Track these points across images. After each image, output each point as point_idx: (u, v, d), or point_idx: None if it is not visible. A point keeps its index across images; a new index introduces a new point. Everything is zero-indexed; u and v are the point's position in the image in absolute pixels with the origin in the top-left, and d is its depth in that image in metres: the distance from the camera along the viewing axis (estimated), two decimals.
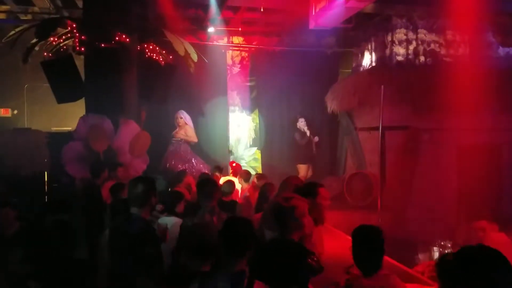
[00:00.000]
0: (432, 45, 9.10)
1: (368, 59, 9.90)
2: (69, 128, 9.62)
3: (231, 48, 11.11)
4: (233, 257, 2.51)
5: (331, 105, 9.91)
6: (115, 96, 7.52)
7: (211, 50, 10.13)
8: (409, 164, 8.20)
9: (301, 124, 9.89)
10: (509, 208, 7.95)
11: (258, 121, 11.42)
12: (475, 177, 7.62)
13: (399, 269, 5.19)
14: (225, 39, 10.73)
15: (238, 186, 7.09)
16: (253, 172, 8.66)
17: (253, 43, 10.94)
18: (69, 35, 7.77)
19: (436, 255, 6.29)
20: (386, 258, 5.10)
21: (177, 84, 8.63)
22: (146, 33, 8.11)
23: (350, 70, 10.96)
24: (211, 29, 9.97)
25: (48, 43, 8.03)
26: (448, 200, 7.96)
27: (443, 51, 9.11)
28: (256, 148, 11.93)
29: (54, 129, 10.92)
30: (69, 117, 10.27)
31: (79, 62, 7.81)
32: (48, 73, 7.49)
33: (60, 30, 7.88)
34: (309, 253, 2.94)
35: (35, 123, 11.56)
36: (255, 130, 12.12)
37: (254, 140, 12.23)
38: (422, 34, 9.07)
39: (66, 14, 9.38)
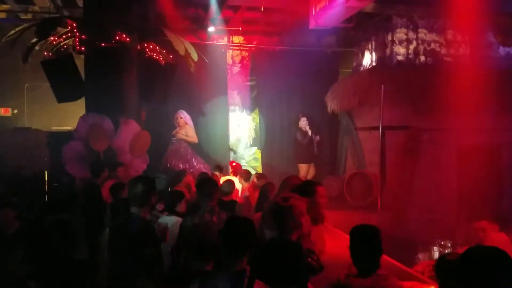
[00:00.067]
0: (433, 45, 9.09)
1: (368, 59, 9.89)
2: (69, 128, 9.63)
3: (231, 47, 11.10)
4: (233, 257, 2.51)
5: (331, 104, 9.90)
6: (115, 96, 7.52)
7: (211, 50, 10.13)
8: (409, 164, 8.20)
9: (303, 123, 9.87)
10: (509, 208, 7.95)
11: (258, 121, 11.42)
12: (475, 177, 7.61)
13: (398, 269, 5.19)
14: (225, 39, 10.72)
15: (238, 185, 7.09)
16: (253, 172, 8.66)
17: (253, 43, 10.94)
18: (69, 34, 7.78)
19: (436, 255, 6.27)
20: (386, 257, 5.11)
21: (177, 84, 8.64)
22: (146, 33, 8.11)
23: (350, 70, 10.95)
24: (211, 29, 9.97)
25: (48, 42, 8.03)
26: (448, 200, 7.96)
27: (443, 51, 9.10)
28: (256, 147, 11.93)
29: (54, 128, 10.92)
30: (69, 116, 10.27)
31: (79, 61, 7.82)
32: (48, 72, 7.50)
33: (60, 30, 7.88)
34: (309, 252, 2.94)
35: (35, 122, 11.57)
36: (255, 130, 12.11)
37: (254, 139, 12.23)
38: (423, 33, 9.06)
39: (66, 13, 9.39)
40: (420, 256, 6.49)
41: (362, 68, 10.07)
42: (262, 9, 9.36)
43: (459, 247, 5.14)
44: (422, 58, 9.02)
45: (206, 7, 9.38)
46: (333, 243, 3.88)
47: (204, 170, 8.33)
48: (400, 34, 9.00)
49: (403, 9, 8.97)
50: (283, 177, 4.67)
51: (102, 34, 7.33)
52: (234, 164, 9.01)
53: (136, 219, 3.35)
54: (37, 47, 8.05)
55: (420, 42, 9.04)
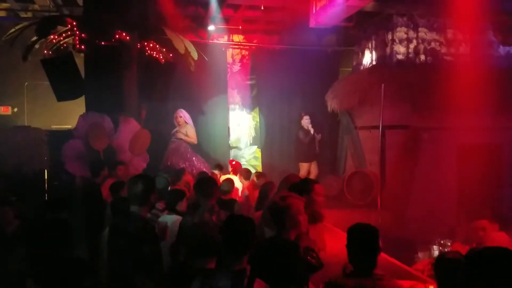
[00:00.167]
0: (433, 44, 9.08)
1: (368, 58, 9.89)
2: (69, 126, 9.62)
3: (231, 46, 11.09)
4: (233, 256, 2.50)
5: (331, 103, 9.90)
6: (115, 94, 7.52)
7: (211, 48, 10.13)
8: (409, 163, 8.19)
9: (306, 121, 9.86)
10: (509, 207, 7.95)
11: (258, 120, 11.42)
12: (475, 176, 7.60)
13: (398, 268, 5.19)
14: (226, 37, 10.72)
15: (237, 184, 7.09)
16: (253, 171, 8.66)
17: (254, 41, 10.93)
18: (69, 33, 7.77)
19: (435, 254, 6.27)
20: (385, 256, 5.11)
21: (177, 82, 8.63)
22: (146, 31, 8.10)
23: (351, 69, 10.94)
24: (211, 27, 9.96)
25: (48, 41, 8.03)
26: (448, 199, 7.95)
27: (443, 50, 9.10)
28: (256, 146, 11.93)
29: (54, 127, 10.90)
30: (69, 115, 10.27)
31: (79, 60, 7.82)
32: (48, 71, 7.49)
33: (60, 28, 7.87)
34: (308, 250, 2.94)
35: (35, 121, 11.55)
36: (255, 129, 12.11)
37: (254, 138, 12.22)
38: (423, 32, 9.05)
39: (66, 12, 9.40)
40: (420, 255, 6.49)
41: (362, 67, 10.07)
42: (262, 8, 9.36)
43: (459, 246, 5.13)
44: (422, 57, 9.01)
45: (206, 5, 9.38)
46: (332, 242, 3.88)
47: (204, 169, 8.33)
48: (400, 33, 8.99)
49: (403, 8, 8.96)
50: (283, 176, 4.67)
51: (102, 32, 7.33)
52: (233, 163, 9.01)
53: (136, 218, 3.35)
54: (37, 46, 8.05)
55: (420, 41, 9.04)
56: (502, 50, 9.26)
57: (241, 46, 11.21)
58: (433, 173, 7.97)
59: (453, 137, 8.03)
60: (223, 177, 7.04)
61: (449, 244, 6.14)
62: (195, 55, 8.47)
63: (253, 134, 12.27)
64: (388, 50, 9.12)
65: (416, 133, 8.15)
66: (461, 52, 9.08)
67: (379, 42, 9.46)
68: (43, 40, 7.93)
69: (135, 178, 3.54)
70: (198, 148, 9.32)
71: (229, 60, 11.26)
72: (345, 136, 10.28)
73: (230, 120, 11.12)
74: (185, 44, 8.19)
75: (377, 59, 9.49)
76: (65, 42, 8.04)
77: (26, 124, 11.68)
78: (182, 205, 4.33)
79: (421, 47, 9.04)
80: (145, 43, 8.07)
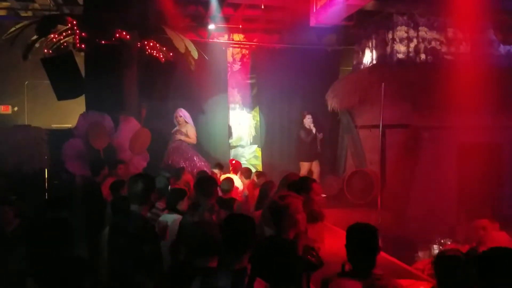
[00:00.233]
0: (433, 43, 9.07)
1: (368, 57, 9.88)
2: (69, 125, 9.61)
3: (231, 45, 11.09)
4: (233, 255, 2.49)
5: (332, 103, 9.89)
6: (116, 93, 7.52)
7: (211, 48, 10.13)
8: (409, 162, 8.19)
9: (308, 120, 9.86)
10: (509, 206, 7.94)
11: (258, 119, 11.42)
12: (475, 175, 7.60)
13: (398, 267, 5.20)
14: (226, 36, 10.73)
15: (237, 183, 7.09)
16: (253, 170, 8.66)
17: (254, 41, 10.93)
18: (69, 32, 7.76)
19: (436, 253, 6.28)
20: (385, 255, 5.12)
21: (178, 82, 8.62)
22: (146, 30, 8.10)
23: (351, 68, 10.94)
24: (211, 26, 9.96)
25: (49, 40, 8.01)
26: (448, 198, 7.95)
27: (444, 49, 9.09)
28: (256, 145, 11.92)
29: (54, 126, 10.89)
30: (69, 114, 10.25)
31: (80, 59, 7.81)
32: (48, 70, 7.48)
33: (61, 27, 7.86)
34: (308, 248, 2.94)
35: (36, 120, 11.53)
36: (255, 128, 12.10)
37: (254, 137, 12.22)
38: (423, 31, 9.05)
39: (66, 11, 9.39)
40: (420, 254, 6.50)
41: (362, 66, 10.06)
42: (262, 7, 9.34)
43: (459, 245, 5.13)
44: (423, 56, 9.01)
45: (206, 4, 9.38)
46: (332, 241, 3.88)
47: (205, 168, 8.33)
48: (401, 32, 8.99)
49: (403, 7, 8.96)
50: (283, 175, 4.68)
51: (102, 31, 7.33)
52: (234, 162, 9.01)
53: (136, 217, 3.35)
54: (37, 45, 8.04)
55: (420, 40, 9.03)
56: (503, 49, 9.26)
57: (241, 45, 11.20)
58: (433, 172, 7.97)
59: (453, 136, 8.02)
60: (223, 177, 7.06)
61: (449, 243, 6.15)
62: (195, 54, 8.47)
63: (253, 133, 12.27)
64: (388, 49, 9.12)
65: (416, 132, 8.14)
66: (462, 51, 9.07)
67: (379, 41, 9.46)
68: (43, 39, 7.93)
69: (135, 177, 3.54)
70: (198, 147, 9.31)
71: (229, 59, 11.25)
72: (346, 135, 10.27)
73: (231, 119, 11.12)
74: (185, 43, 8.18)
75: (378, 58, 9.49)
76: (65, 41, 8.04)
77: (26, 123, 11.66)
78: (183, 205, 4.33)
79: (422, 46, 9.03)
80: (145, 42, 8.06)
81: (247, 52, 11.54)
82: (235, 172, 8.08)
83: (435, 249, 6.24)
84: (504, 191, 8.22)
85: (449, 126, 7.99)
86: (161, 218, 4.08)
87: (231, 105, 11.37)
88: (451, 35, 9.10)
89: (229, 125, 11.00)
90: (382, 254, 2.86)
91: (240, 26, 10.34)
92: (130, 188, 3.43)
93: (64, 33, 7.87)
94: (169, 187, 5.04)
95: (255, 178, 6.60)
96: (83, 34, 7.33)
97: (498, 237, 4.89)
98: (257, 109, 11.52)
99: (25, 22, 8.38)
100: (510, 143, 8.27)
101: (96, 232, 3.95)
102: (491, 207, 7.23)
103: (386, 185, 8.44)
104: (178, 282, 2.72)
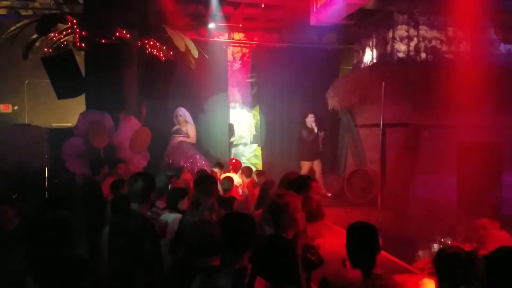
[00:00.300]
0: (433, 42, 9.07)
1: (369, 56, 9.88)
2: (70, 124, 9.61)
3: (232, 44, 11.09)
4: (233, 254, 2.49)
5: (332, 102, 9.90)
6: (116, 92, 7.52)
7: (211, 46, 10.13)
8: (410, 161, 8.19)
9: (310, 119, 9.86)
10: (509, 206, 7.93)
11: (258, 118, 11.42)
12: (475, 174, 7.60)
13: (398, 266, 5.20)
14: (226, 35, 10.73)
15: (237, 182, 7.09)
16: (253, 169, 8.66)
17: (254, 39, 10.92)
18: (69, 30, 7.76)
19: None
20: (386, 254, 5.11)
21: (178, 80, 8.63)
22: (146, 29, 8.10)
23: (351, 67, 10.94)
24: (211, 25, 9.96)
25: (49, 38, 8.01)
26: (448, 197, 7.94)
27: (444, 48, 9.09)
28: (256, 144, 11.93)
29: (54, 125, 10.89)
30: (69, 113, 10.25)
31: (80, 58, 7.81)
32: (49, 69, 7.49)
33: (61, 26, 7.87)
34: (308, 247, 2.94)
35: (36, 119, 11.53)
36: (255, 127, 12.11)
37: (254, 136, 12.22)
38: (424, 30, 9.04)
39: (66, 9, 9.39)
40: (420, 253, 6.48)
41: (362, 65, 10.06)
42: (262, 6, 9.34)
43: (459, 244, 5.13)
44: (423, 55, 9.01)
45: (206, 3, 9.38)
46: (333, 240, 3.88)
47: (205, 167, 8.33)
48: (401, 31, 8.98)
49: (404, 5, 8.96)
50: (283, 174, 4.68)
51: (102, 30, 7.33)
52: (233, 161, 9.01)
53: (136, 216, 3.35)
54: (37, 44, 8.04)
55: (421, 39, 9.03)
56: (503, 48, 9.25)
57: (241, 44, 11.20)
58: (433, 171, 7.96)
59: (453, 135, 8.01)
60: (223, 176, 7.05)
61: (449, 242, 6.14)
62: (195, 53, 8.46)
63: (253, 132, 12.27)
64: (388, 48, 9.11)
65: (416, 131, 8.14)
66: (462, 50, 9.07)
67: (379, 40, 9.45)
68: (43, 38, 7.93)
69: (135, 176, 3.54)
70: (198, 146, 9.32)
71: (230, 58, 11.26)
72: (346, 134, 10.27)
73: (232, 118, 11.12)
74: (185, 42, 8.18)
75: (378, 57, 9.48)
76: (65, 40, 8.03)
77: (26, 122, 11.66)
78: (184, 204, 4.33)
79: (422, 45, 9.02)
80: (146, 41, 8.06)
81: (247, 51, 11.54)
82: (235, 171, 8.07)
83: (435, 248, 6.23)
84: (504, 191, 8.21)
85: (450, 125, 7.98)
86: (162, 217, 4.07)
87: (231, 104, 11.37)
88: (451, 34, 9.10)
89: (231, 124, 11.00)
90: (382, 253, 2.86)
91: (240, 25, 10.35)
92: (130, 187, 3.43)
93: (64, 32, 7.87)
94: (169, 186, 5.04)
95: (255, 177, 6.60)
96: (83, 33, 7.33)
97: (498, 237, 4.88)
98: (257, 108, 11.52)
99: (25, 21, 8.38)
100: (510, 142, 8.26)
101: (96, 232, 3.94)
102: (491, 206, 7.23)
103: (386, 184, 8.43)
104: (178, 281, 2.72)
